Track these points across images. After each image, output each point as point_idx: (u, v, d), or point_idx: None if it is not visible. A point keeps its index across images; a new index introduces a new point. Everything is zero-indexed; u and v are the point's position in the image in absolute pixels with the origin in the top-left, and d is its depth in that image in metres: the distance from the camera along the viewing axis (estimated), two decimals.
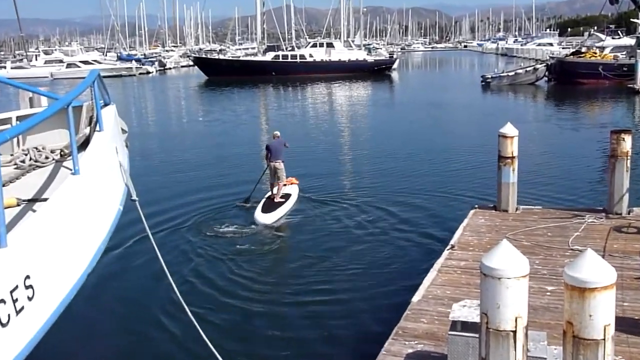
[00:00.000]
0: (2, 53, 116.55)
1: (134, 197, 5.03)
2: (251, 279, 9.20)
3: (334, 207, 13.02)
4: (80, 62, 68.51)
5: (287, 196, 13.14)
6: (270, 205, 12.58)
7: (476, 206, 10.52)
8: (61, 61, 70.69)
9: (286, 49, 64.89)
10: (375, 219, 12.04)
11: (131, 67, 75.52)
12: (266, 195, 13.23)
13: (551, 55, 52.16)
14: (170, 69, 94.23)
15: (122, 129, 6.27)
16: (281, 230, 11.69)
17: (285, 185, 13.34)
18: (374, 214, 12.36)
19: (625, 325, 5.72)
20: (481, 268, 4.00)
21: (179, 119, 32.24)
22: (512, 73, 44.72)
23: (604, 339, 3.77)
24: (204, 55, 67.15)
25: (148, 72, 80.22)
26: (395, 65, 69.45)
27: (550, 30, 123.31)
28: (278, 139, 13.31)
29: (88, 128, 5.47)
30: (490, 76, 44.53)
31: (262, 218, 12.06)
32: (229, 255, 10.15)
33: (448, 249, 8.40)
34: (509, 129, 9.89)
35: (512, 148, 9.87)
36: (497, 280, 3.89)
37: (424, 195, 13.72)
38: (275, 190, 13.00)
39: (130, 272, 9.69)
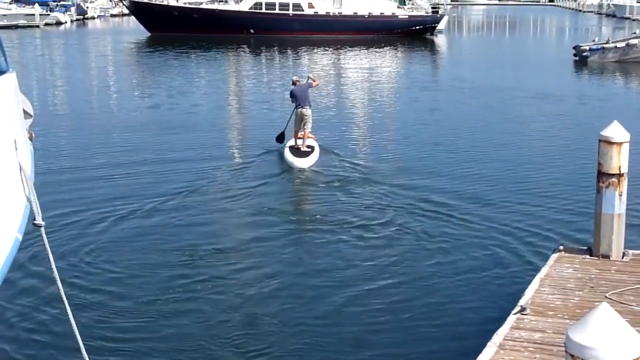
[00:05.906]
0: None
1: (39, 220, 4.96)
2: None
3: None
4: None
5: (311, 147, 18.19)
6: (300, 153, 17.83)
7: (561, 247, 10.55)
8: None
9: None
10: (409, 250, 12.43)
11: (33, 15, 75.73)
12: (287, 145, 18.29)
13: None
14: (93, 18, 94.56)
15: (26, 112, 6.21)
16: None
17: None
18: (407, 244, 12.75)
19: None
20: (566, 345, 4.02)
21: (105, 98, 32.33)
22: (623, 44, 44.84)
23: None
24: (145, 0, 67.32)
25: (59, 23, 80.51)
26: (441, 26, 69.62)
27: None
28: (300, 83, 18.35)
29: None
30: (588, 47, 44.70)
31: (299, 162, 17.34)
32: None
33: (515, 313, 8.44)
34: (616, 131, 9.94)
35: (620, 160, 9.92)
36: None
37: (480, 223, 13.81)
38: (299, 141, 18.05)
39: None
